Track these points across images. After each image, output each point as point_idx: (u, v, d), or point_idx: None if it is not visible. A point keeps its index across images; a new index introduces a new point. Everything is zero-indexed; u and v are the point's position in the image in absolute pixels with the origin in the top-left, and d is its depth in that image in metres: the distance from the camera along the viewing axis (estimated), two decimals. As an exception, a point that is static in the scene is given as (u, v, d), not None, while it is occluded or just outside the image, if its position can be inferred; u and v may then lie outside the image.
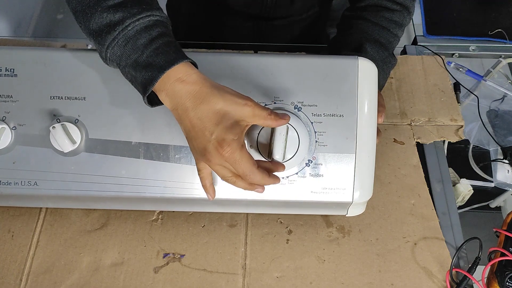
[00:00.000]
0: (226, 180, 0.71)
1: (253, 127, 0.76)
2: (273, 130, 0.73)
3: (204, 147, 0.67)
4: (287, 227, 0.90)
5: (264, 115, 0.68)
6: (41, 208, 0.91)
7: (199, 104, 0.66)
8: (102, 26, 0.69)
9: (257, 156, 0.76)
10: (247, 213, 0.91)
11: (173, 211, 0.91)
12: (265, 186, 0.72)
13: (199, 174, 0.74)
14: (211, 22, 1.18)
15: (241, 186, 0.71)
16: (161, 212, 0.91)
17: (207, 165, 0.71)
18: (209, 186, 0.76)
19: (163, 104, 0.72)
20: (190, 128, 0.67)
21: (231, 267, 0.86)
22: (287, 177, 0.78)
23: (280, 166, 0.74)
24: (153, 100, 0.73)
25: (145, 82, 0.68)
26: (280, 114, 0.70)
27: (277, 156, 0.73)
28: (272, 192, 0.79)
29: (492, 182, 1.08)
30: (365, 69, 0.78)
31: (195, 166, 0.75)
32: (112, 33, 0.69)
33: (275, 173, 0.73)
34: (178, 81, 0.67)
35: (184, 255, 0.87)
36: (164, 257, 0.86)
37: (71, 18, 0.75)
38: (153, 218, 0.90)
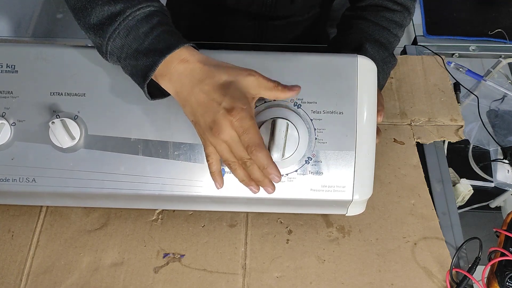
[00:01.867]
0: (229, 165, 0.71)
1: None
2: (273, 127, 0.73)
3: (212, 119, 0.67)
4: (287, 227, 0.90)
5: (270, 86, 0.69)
6: (41, 208, 0.91)
7: (204, 79, 0.68)
8: (103, 19, 0.70)
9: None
10: (247, 213, 0.91)
11: (173, 211, 0.91)
12: (263, 184, 0.72)
13: (207, 160, 0.74)
14: (212, 23, 1.18)
15: (240, 175, 0.71)
16: (161, 212, 0.91)
17: (215, 150, 0.71)
18: (217, 174, 0.75)
19: (163, 97, 0.74)
20: (197, 105, 0.68)
21: (231, 267, 0.86)
22: (287, 174, 0.78)
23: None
24: (152, 93, 0.73)
25: (146, 68, 0.69)
26: (289, 86, 0.71)
27: (276, 153, 0.73)
28: (271, 190, 0.78)
29: (492, 182, 1.08)
30: (364, 67, 0.78)
31: (194, 163, 0.75)
32: (113, 24, 0.69)
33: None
34: (182, 62, 0.68)
35: (184, 255, 0.87)
36: (164, 257, 0.86)
37: (71, 18, 0.75)
38: (153, 218, 0.90)
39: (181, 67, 0.68)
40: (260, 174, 0.70)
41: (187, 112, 0.71)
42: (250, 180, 0.72)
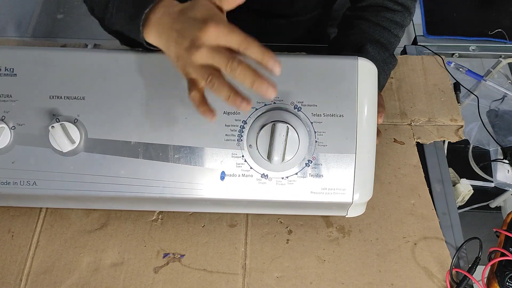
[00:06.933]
0: (213, 82, 0.63)
1: (252, 128, 0.76)
2: (273, 131, 0.73)
3: (191, 36, 0.63)
4: (287, 227, 0.90)
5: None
6: (41, 208, 0.91)
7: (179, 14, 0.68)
8: None
9: (257, 156, 0.76)
10: (247, 213, 0.91)
11: (173, 211, 0.91)
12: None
13: (189, 93, 0.66)
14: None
15: (225, 91, 0.62)
16: (161, 212, 0.91)
17: (196, 80, 0.66)
18: (202, 102, 0.67)
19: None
20: (176, 35, 0.66)
21: (231, 267, 0.86)
22: (287, 177, 0.78)
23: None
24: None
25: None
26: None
27: (277, 157, 0.73)
28: (272, 192, 0.79)
29: (492, 182, 1.08)
30: (365, 69, 0.78)
31: (194, 166, 0.75)
32: None
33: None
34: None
35: (184, 255, 0.87)
36: (164, 257, 0.86)
37: (71, 18, 0.75)
38: (153, 218, 0.90)
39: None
40: (253, 73, 0.61)
41: (169, 47, 0.68)
42: (236, 95, 0.62)
